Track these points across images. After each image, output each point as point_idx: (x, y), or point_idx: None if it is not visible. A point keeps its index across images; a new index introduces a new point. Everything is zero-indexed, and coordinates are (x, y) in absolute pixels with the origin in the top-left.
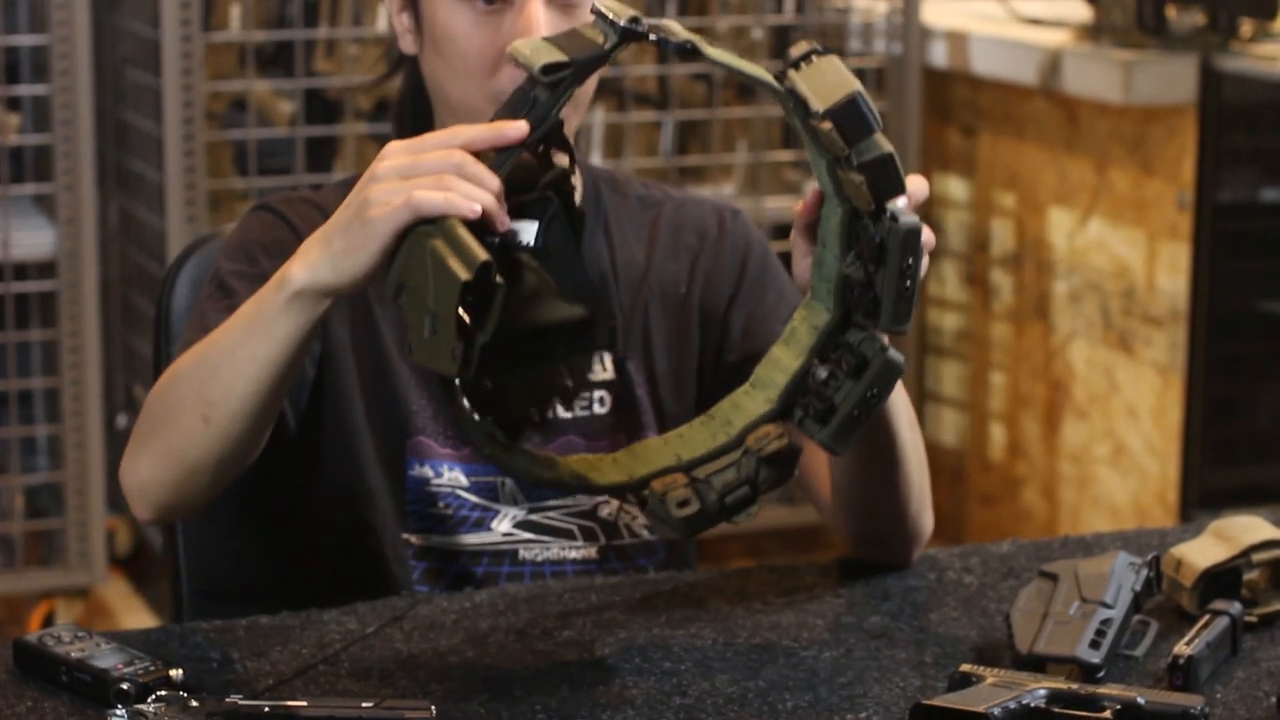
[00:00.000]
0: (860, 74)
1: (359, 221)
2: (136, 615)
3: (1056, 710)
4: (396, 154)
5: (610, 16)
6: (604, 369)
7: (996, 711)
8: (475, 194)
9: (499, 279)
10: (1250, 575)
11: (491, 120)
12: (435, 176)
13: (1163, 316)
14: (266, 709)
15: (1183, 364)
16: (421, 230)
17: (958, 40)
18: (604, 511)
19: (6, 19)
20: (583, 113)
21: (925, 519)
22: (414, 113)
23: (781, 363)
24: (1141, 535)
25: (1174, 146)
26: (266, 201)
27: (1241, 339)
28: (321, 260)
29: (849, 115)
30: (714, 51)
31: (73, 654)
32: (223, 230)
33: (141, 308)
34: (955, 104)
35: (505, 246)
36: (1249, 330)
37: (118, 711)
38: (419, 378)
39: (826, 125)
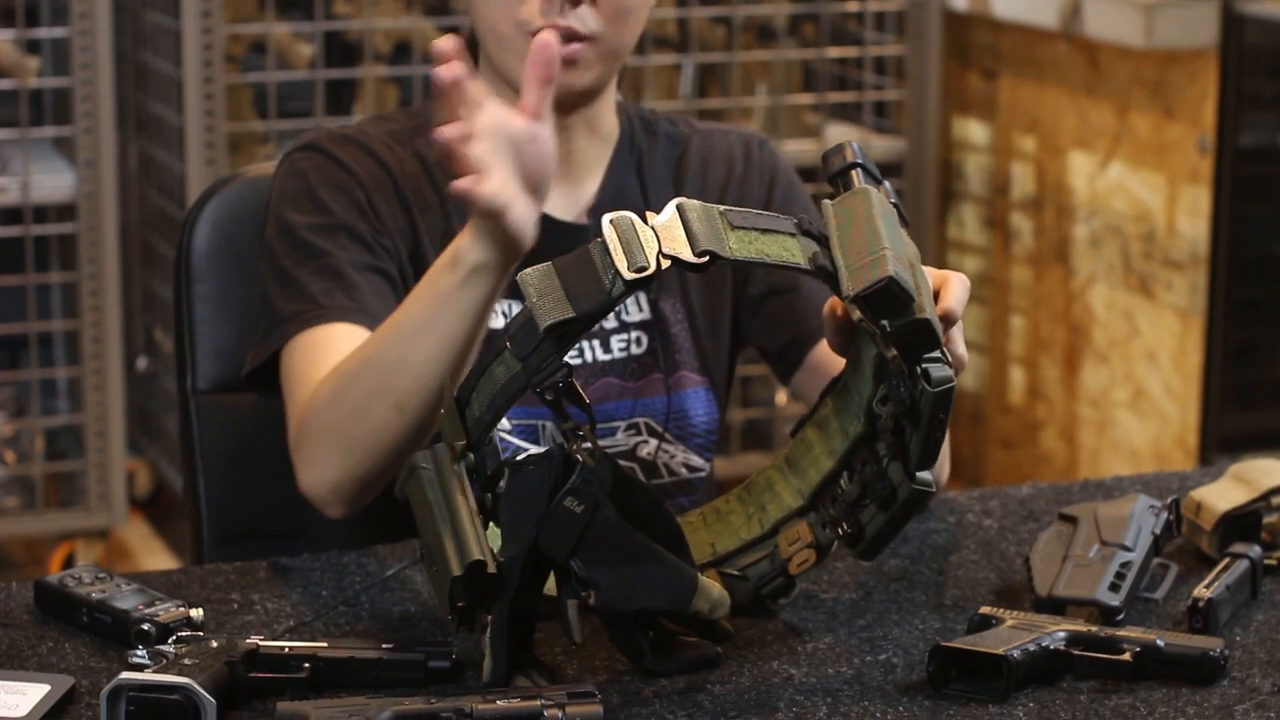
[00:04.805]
0: (880, 18)
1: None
2: (156, 557)
3: (1076, 652)
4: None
5: (616, 268)
6: (640, 309)
7: (1016, 654)
8: None
9: (493, 568)
10: (1270, 518)
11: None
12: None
13: (1183, 260)
14: (286, 650)
15: (1203, 308)
16: (421, 470)
17: None
18: (643, 451)
19: None
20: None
21: (943, 467)
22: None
23: (814, 453)
24: (1161, 479)
25: (1195, 90)
26: (311, 142)
27: (1262, 283)
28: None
29: (882, 300)
30: (735, 248)
31: (94, 595)
32: (244, 173)
33: (161, 250)
34: (976, 47)
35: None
36: (1269, 274)
37: (138, 652)
38: None
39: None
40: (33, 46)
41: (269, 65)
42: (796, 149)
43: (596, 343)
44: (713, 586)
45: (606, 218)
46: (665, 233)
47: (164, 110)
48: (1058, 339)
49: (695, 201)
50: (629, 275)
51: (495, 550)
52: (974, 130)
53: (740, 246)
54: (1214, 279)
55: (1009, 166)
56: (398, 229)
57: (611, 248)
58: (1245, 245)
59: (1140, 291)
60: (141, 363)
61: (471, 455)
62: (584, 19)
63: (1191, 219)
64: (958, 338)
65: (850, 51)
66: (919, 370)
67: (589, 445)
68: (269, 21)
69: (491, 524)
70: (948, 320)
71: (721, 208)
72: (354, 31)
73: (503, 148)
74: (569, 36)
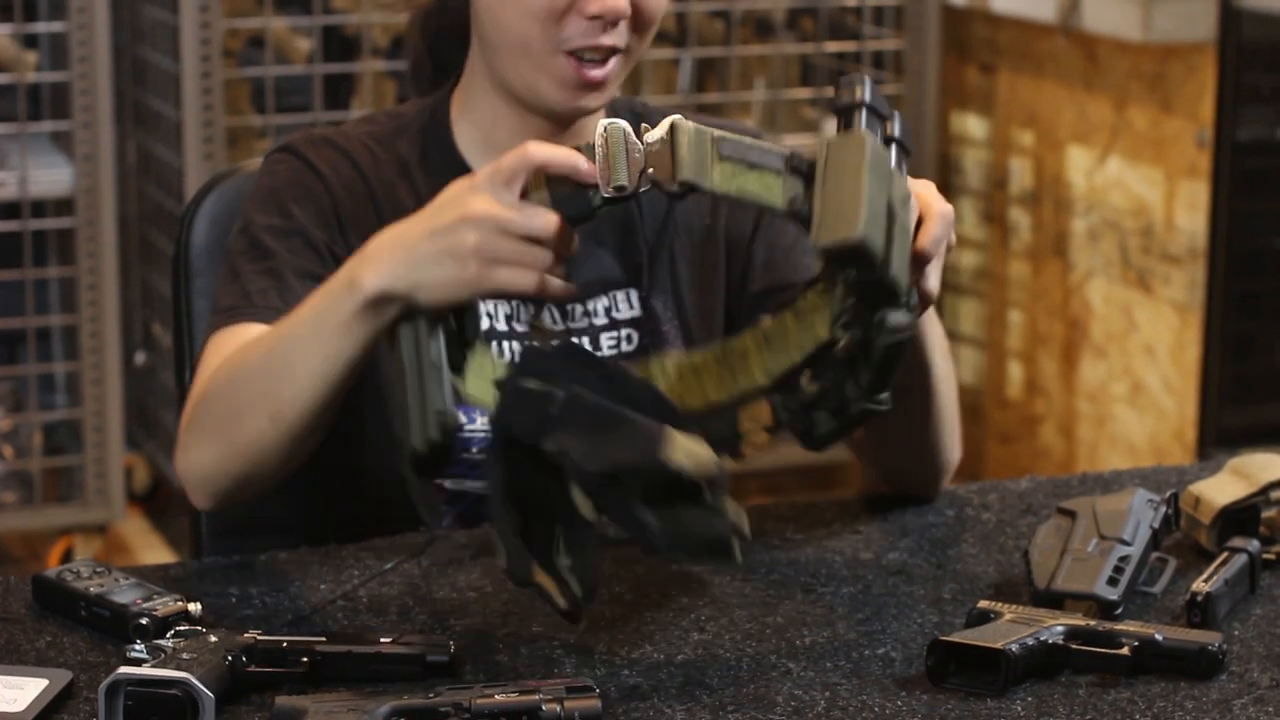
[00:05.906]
0: (878, 12)
1: (455, 254)
2: (154, 551)
3: (1074, 646)
4: (490, 196)
5: (596, 183)
6: (630, 306)
7: (1014, 648)
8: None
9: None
10: (1268, 513)
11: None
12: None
13: (1181, 255)
14: (285, 644)
15: (1201, 302)
16: (406, 327)
17: None
18: None
19: None
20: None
21: (954, 450)
22: (449, 45)
23: (788, 340)
24: (1160, 473)
25: (1193, 84)
26: (288, 143)
27: (1260, 277)
28: (400, 271)
29: (846, 260)
30: (717, 180)
31: (92, 589)
32: (241, 167)
33: (160, 245)
34: (974, 41)
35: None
36: (1267, 268)
37: (136, 646)
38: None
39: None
40: (30, 41)
41: (267, 60)
42: (795, 143)
43: (586, 340)
44: (682, 437)
45: (603, 122)
46: (654, 155)
47: (162, 105)
48: (1056, 334)
49: (690, 124)
50: (607, 192)
51: (497, 374)
52: (972, 125)
53: (723, 180)
54: (1212, 273)
55: (1007, 161)
56: (361, 237)
57: (598, 158)
58: (1243, 239)
59: (1138, 286)
60: (140, 358)
61: (451, 319)
62: (621, 35)
63: (1189, 213)
64: (932, 273)
65: (848, 46)
66: (875, 319)
67: (554, 337)
68: (267, 16)
69: (479, 354)
70: (921, 259)
71: (716, 133)
72: (352, 26)
73: None
74: (608, 55)
